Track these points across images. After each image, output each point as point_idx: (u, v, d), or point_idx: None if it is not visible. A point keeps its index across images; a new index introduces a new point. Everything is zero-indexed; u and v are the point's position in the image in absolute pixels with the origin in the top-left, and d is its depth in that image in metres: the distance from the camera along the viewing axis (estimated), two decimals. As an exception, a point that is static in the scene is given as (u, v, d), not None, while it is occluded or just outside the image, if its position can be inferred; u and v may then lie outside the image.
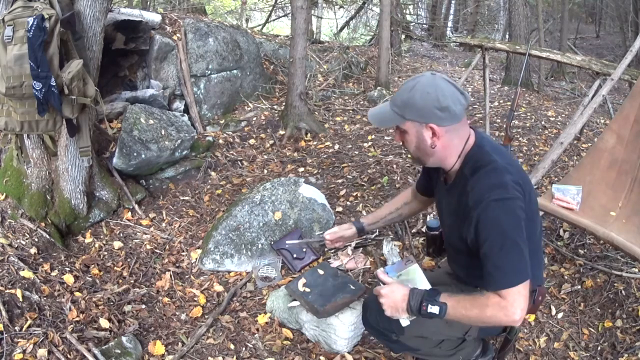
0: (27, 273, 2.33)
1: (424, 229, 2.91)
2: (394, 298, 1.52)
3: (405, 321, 1.58)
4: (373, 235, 2.89)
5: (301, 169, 3.92)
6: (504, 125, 3.70)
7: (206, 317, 2.43)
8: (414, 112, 1.43)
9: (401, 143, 1.55)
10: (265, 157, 4.14)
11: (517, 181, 1.43)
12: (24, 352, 1.94)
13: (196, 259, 2.86)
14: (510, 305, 1.36)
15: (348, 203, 3.35)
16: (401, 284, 1.57)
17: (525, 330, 2.31)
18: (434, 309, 1.44)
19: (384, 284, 1.59)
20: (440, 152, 1.49)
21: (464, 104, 1.44)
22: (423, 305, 1.46)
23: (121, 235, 2.99)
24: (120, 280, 2.62)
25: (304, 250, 2.79)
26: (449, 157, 1.50)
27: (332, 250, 2.83)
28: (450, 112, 1.41)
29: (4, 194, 2.72)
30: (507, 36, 10.59)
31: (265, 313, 2.43)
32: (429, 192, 1.87)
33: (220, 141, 4.16)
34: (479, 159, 1.46)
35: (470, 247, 1.48)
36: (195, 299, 2.56)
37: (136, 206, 3.22)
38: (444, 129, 1.43)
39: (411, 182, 3.35)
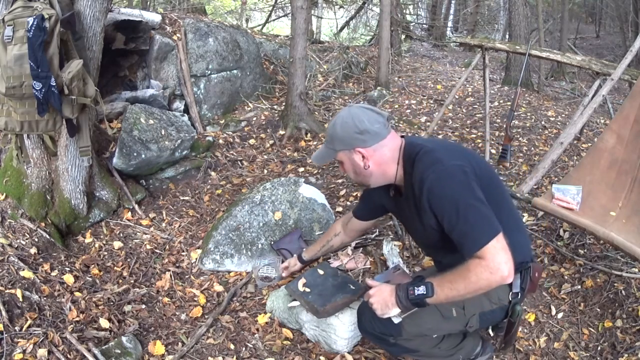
0: (27, 273, 2.33)
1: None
2: (382, 296, 1.59)
3: (396, 318, 1.60)
4: (373, 235, 2.89)
5: (301, 169, 3.92)
6: (504, 125, 3.70)
7: (206, 317, 2.43)
8: (340, 142, 1.61)
9: (345, 173, 1.71)
10: (265, 157, 4.14)
11: (451, 152, 1.52)
12: (24, 352, 1.94)
13: (196, 259, 2.86)
14: (491, 261, 1.37)
15: (348, 203, 3.35)
16: (387, 284, 1.63)
17: (525, 330, 2.31)
18: (420, 289, 1.49)
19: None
20: (376, 170, 1.61)
21: (382, 122, 1.58)
22: (410, 290, 1.50)
23: (121, 235, 2.99)
24: (120, 280, 2.61)
25: (304, 250, 2.79)
26: (388, 171, 1.62)
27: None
28: (370, 132, 1.56)
29: (4, 194, 2.72)
30: (507, 36, 10.59)
31: (265, 313, 2.43)
32: (371, 214, 2.03)
33: (220, 141, 4.16)
34: (410, 152, 1.57)
35: (442, 234, 1.51)
36: (195, 299, 2.56)
37: (136, 206, 3.22)
38: (371, 149, 1.58)
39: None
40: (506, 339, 1.78)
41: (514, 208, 1.74)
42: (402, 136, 1.65)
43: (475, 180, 1.46)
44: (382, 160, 1.60)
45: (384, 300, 1.58)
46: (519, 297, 1.64)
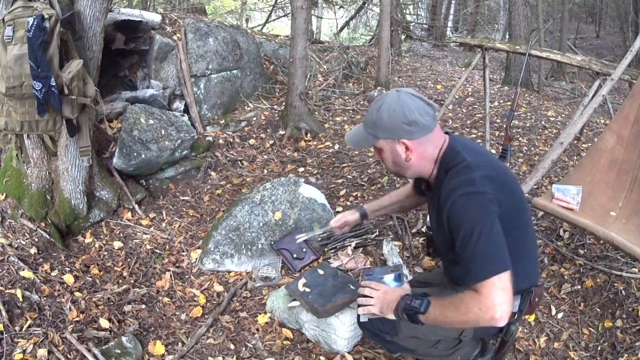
0: (27, 273, 2.33)
1: (424, 229, 2.91)
2: (387, 298, 1.57)
3: (363, 317, 1.66)
4: (373, 235, 2.89)
5: (301, 169, 3.92)
6: (504, 125, 3.70)
7: (206, 317, 2.43)
8: (384, 130, 1.49)
9: (381, 160, 1.60)
10: (265, 157, 4.14)
11: (487, 176, 1.44)
12: (24, 352, 1.94)
13: (196, 259, 2.86)
14: (486, 298, 1.31)
15: (348, 203, 3.35)
16: (393, 288, 1.63)
17: (525, 330, 2.31)
18: (416, 302, 1.47)
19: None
20: (416, 164, 1.53)
21: (431, 114, 1.49)
22: (408, 300, 1.50)
23: (121, 235, 2.99)
24: (120, 280, 2.61)
25: (304, 250, 2.79)
26: (426, 167, 1.54)
27: (332, 250, 2.83)
28: (419, 125, 1.46)
29: (4, 194, 2.72)
30: (507, 36, 10.59)
31: (265, 313, 2.43)
32: (422, 193, 1.89)
33: (220, 141, 4.16)
34: (450, 160, 1.50)
35: (451, 247, 1.47)
36: (195, 299, 2.56)
37: (136, 206, 3.22)
38: (416, 141, 1.48)
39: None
40: (498, 356, 1.78)
41: (533, 237, 1.68)
42: (446, 132, 1.58)
43: (502, 212, 1.40)
44: (424, 155, 1.51)
45: (387, 303, 1.56)
46: (515, 317, 1.62)
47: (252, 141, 4.33)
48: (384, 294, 1.60)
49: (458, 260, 1.43)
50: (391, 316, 1.55)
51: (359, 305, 1.67)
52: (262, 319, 2.39)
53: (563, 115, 5.27)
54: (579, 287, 2.53)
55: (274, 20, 11.10)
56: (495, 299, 1.30)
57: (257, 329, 2.35)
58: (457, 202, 1.40)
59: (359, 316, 1.76)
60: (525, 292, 1.60)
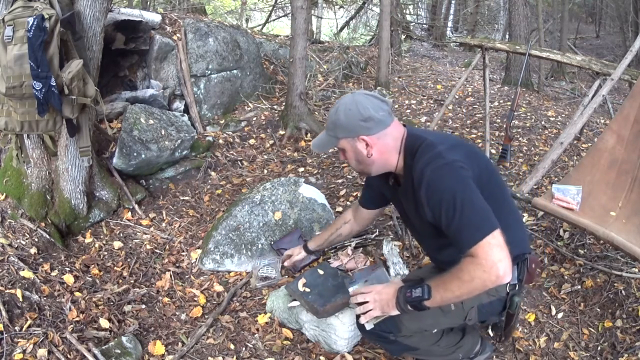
0: (27, 273, 2.33)
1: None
2: (383, 296, 1.58)
3: (369, 324, 1.64)
4: (373, 235, 2.89)
5: (301, 169, 3.92)
6: (504, 125, 3.70)
7: (206, 317, 2.43)
8: (343, 130, 1.56)
9: (346, 161, 1.66)
10: (265, 157, 4.14)
11: (452, 146, 1.50)
12: (24, 352, 1.94)
13: (196, 259, 2.86)
14: (484, 259, 1.32)
15: (348, 203, 3.35)
16: (382, 284, 1.65)
17: (525, 330, 2.31)
18: (417, 291, 1.48)
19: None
20: (378, 159, 1.58)
21: (386, 110, 1.55)
22: (407, 293, 1.50)
23: (121, 235, 2.99)
24: (120, 280, 2.61)
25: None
26: (390, 159, 1.59)
27: (332, 251, 2.83)
28: (374, 120, 1.53)
29: (4, 194, 2.72)
30: (507, 36, 10.59)
31: (265, 313, 2.43)
32: (376, 203, 1.98)
33: (220, 141, 4.16)
34: (413, 144, 1.55)
35: (438, 230, 1.49)
36: (195, 299, 2.56)
37: (136, 206, 3.22)
38: (375, 136, 1.55)
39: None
40: (506, 331, 1.77)
41: (514, 205, 1.72)
42: (403, 125, 1.63)
43: (475, 177, 1.44)
44: (386, 149, 1.57)
45: (386, 301, 1.56)
46: (517, 288, 1.63)
47: (252, 141, 4.33)
48: (378, 294, 1.60)
49: (449, 239, 1.44)
50: (395, 312, 1.56)
51: (358, 316, 1.67)
52: (262, 319, 2.39)
53: (563, 115, 5.27)
54: (579, 287, 2.53)
55: (274, 20, 11.10)
56: (494, 256, 1.32)
57: (257, 329, 2.35)
58: (431, 179, 1.44)
59: (360, 324, 1.74)
60: (519, 259, 1.61)
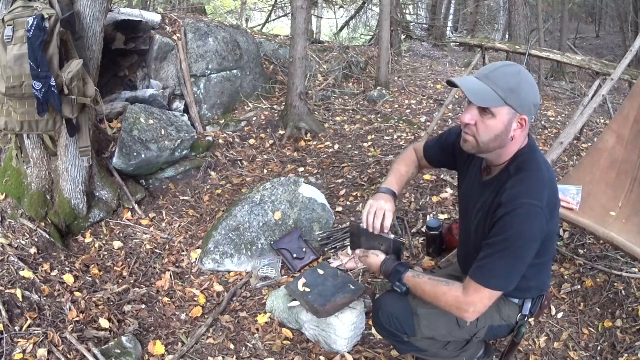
0: (27, 273, 2.33)
1: (424, 229, 2.91)
2: (370, 260, 1.70)
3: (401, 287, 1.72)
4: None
5: (301, 169, 3.92)
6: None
7: (206, 317, 2.43)
8: (517, 100, 1.38)
9: (473, 124, 1.42)
10: (265, 157, 4.14)
11: (551, 200, 1.45)
12: (24, 352, 1.94)
13: (196, 259, 2.86)
14: (468, 299, 1.41)
15: (348, 203, 3.35)
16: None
17: (526, 330, 2.31)
18: (401, 267, 1.60)
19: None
20: (511, 146, 1.45)
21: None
22: (395, 264, 1.62)
23: (121, 235, 2.99)
24: (120, 280, 2.61)
25: (304, 250, 2.79)
26: (511, 153, 1.48)
27: (332, 250, 2.83)
28: (536, 109, 1.43)
29: (4, 194, 2.72)
30: (507, 36, 10.59)
31: (265, 313, 2.43)
32: (441, 163, 1.86)
33: (220, 141, 4.16)
34: (528, 160, 1.45)
35: (479, 242, 1.48)
36: (195, 299, 2.56)
37: (136, 206, 3.22)
38: (528, 125, 1.44)
39: (411, 182, 3.33)
40: (506, 357, 1.82)
41: (555, 248, 1.75)
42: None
43: (542, 237, 1.42)
44: (519, 141, 1.45)
45: (370, 263, 1.69)
46: (526, 319, 1.67)
47: (252, 141, 4.33)
48: (365, 256, 1.72)
49: (481, 246, 1.46)
50: (375, 270, 1.68)
51: (371, 314, 1.76)
52: (262, 319, 2.39)
53: (563, 115, 5.27)
54: (579, 287, 2.53)
55: (274, 20, 11.10)
56: (476, 305, 1.41)
57: (257, 329, 2.35)
58: (518, 213, 1.38)
59: (375, 314, 1.74)
60: (537, 296, 1.66)
